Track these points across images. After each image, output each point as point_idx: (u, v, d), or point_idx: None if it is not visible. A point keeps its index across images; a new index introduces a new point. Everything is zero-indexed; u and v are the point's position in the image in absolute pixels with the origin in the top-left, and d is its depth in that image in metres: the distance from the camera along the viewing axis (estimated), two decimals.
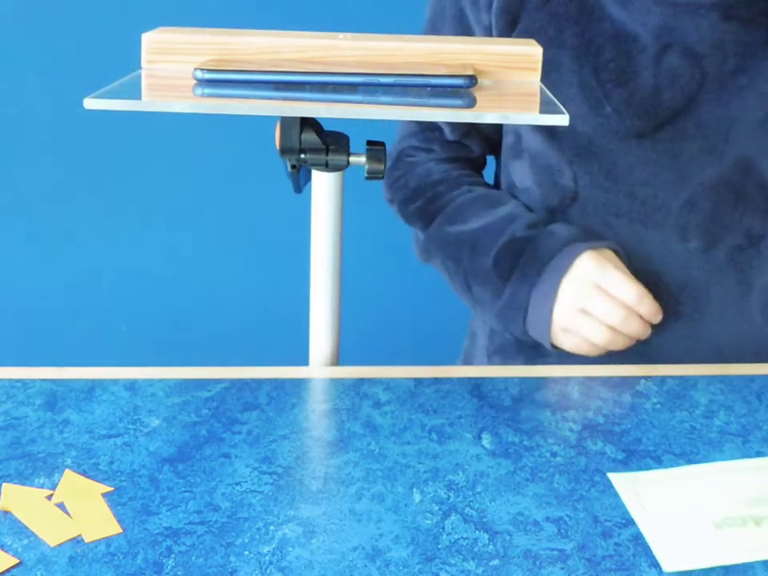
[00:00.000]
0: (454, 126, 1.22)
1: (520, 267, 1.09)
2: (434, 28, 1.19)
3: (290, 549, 0.76)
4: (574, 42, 1.08)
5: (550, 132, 1.12)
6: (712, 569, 0.75)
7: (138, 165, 1.98)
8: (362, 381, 0.99)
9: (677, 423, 0.94)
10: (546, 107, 0.82)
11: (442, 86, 0.84)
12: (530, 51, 0.89)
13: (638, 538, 0.78)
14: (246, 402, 0.95)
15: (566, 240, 1.09)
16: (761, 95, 1.05)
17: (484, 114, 0.83)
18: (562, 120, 0.79)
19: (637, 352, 1.09)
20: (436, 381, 1.00)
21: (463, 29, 1.15)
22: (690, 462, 0.88)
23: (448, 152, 1.26)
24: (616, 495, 0.83)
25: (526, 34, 1.09)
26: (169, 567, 0.74)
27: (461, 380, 1.00)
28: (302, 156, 0.91)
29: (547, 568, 0.75)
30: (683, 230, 1.10)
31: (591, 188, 1.11)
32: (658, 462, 0.88)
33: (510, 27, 1.10)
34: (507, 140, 1.21)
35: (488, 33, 1.13)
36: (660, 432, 0.92)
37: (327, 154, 0.92)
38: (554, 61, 1.08)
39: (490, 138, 1.25)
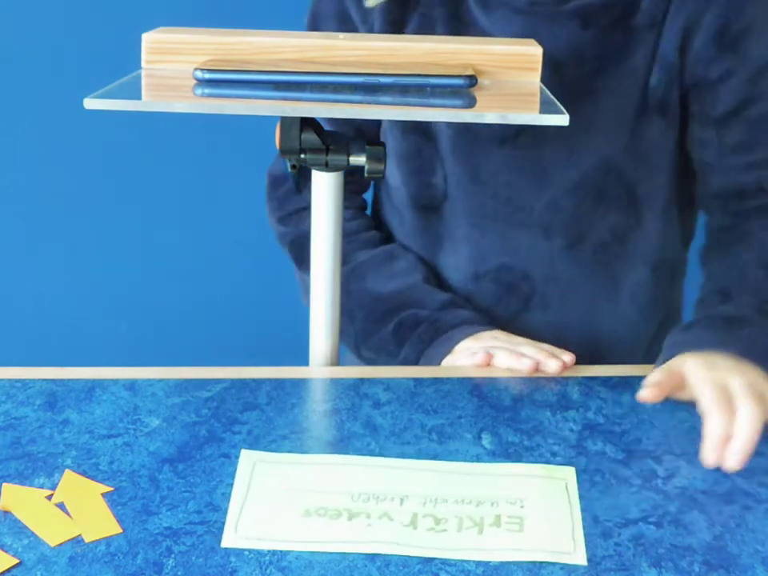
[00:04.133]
0: (330, 120, 1.16)
1: (417, 334, 1.11)
2: (316, 29, 1.16)
3: (290, 549, 0.76)
4: None
5: (425, 134, 1.13)
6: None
7: (138, 164, 1.98)
8: (361, 381, 0.99)
9: (677, 423, 0.94)
10: (546, 107, 0.82)
11: (442, 86, 0.84)
12: (530, 51, 0.89)
13: (638, 538, 0.78)
14: (246, 402, 0.95)
15: (467, 319, 1.11)
16: (617, 98, 1.07)
17: (484, 114, 0.83)
18: (561, 120, 0.79)
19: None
20: (436, 381, 1.00)
21: (347, 29, 1.14)
22: (689, 462, 0.88)
23: None
24: (617, 495, 0.83)
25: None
26: (169, 567, 0.74)
27: (461, 380, 1.00)
28: (302, 156, 0.91)
29: (547, 568, 0.75)
30: (547, 229, 1.13)
31: (458, 189, 1.13)
32: (658, 462, 0.88)
33: (392, 28, 1.10)
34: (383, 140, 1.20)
35: (371, 32, 1.12)
36: (660, 432, 0.92)
37: (327, 154, 0.92)
38: None
39: (365, 131, 1.19)
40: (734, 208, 1.12)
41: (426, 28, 1.09)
